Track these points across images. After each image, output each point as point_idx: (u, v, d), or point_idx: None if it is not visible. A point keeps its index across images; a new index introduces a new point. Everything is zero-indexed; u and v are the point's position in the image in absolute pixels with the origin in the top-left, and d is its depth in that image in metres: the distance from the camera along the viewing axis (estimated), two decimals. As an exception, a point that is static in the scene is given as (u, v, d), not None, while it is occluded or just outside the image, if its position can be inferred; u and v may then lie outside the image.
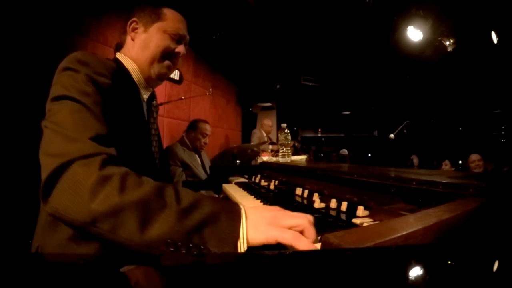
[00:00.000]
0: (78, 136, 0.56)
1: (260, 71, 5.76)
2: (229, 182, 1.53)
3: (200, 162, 2.58)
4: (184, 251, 0.45)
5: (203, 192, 1.40)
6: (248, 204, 0.89)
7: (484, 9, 3.56)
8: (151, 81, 0.88)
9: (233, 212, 0.49)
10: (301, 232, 0.49)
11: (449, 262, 0.33)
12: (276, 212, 0.52)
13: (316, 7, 3.71)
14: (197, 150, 2.56)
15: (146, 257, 0.39)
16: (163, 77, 0.89)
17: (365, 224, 0.61)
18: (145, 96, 0.89)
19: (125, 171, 0.52)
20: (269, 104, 7.22)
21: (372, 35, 4.28)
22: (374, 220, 0.64)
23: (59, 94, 0.62)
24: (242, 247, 0.47)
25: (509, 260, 0.33)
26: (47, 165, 0.52)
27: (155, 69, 0.85)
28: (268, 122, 4.51)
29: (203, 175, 2.48)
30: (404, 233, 0.37)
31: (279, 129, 1.71)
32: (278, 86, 6.54)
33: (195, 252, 0.45)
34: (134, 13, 0.85)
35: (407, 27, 4.06)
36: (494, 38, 3.88)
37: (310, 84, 6.34)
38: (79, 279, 0.30)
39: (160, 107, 3.20)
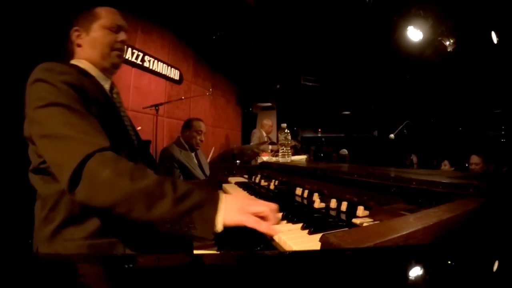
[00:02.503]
0: (77, 136, 0.65)
1: (260, 71, 5.76)
2: (229, 182, 1.53)
3: (197, 162, 2.57)
4: (177, 228, 0.61)
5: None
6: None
7: (484, 9, 3.56)
8: (108, 71, 0.96)
9: (214, 200, 0.65)
10: (265, 218, 0.63)
11: (449, 262, 0.33)
12: (247, 201, 0.67)
13: (316, 7, 3.71)
14: (193, 149, 2.55)
15: (145, 257, 0.39)
16: (118, 65, 0.98)
17: (365, 224, 0.61)
18: (106, 86, 0.96)
19: (132, 165, 0.65)
20: (269, 104, 7.21)
21: (372, 35, 4.28)
22: (374, 220, 0.64)
23: (40, 105, 0.69)
24: (219, 226, 0.62)
25: (509, 260, 0.33)
26: (63, 169, 0.63)
27: (108, 61, 0.94)
28: (268, 122, 4.50)
29: (200, 176, 2.46)
30: (404, 233, 0.37)
31: (279, 129, 1.71)
32: (278, 86, 6.53)
33: (186, 229, 0.61)
34: (73, 23, 0.93)
35: (407, 27, 4.06)
36: (494, 38, 3.88)
37: (310, 84, 6.34)
38: (78, 278, 0.30)
39: (160, 107, 3.19)
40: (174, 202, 0.61)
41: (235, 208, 0.63)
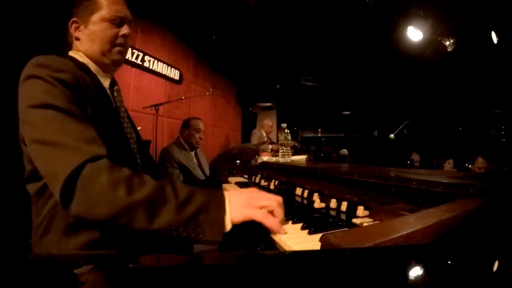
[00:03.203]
0: (70, 144, 0.60)
1: (260, 71, 5.76)
2: (229, 182, 1.53)
3: (196, 162, 2.57)
4: (184, 234, 0.57)
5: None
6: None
7: (484, 9, 3.56)
8: (108, 68, 0.88)
9: (219, 200, 0.61)
10: (271, 212, 0.61)
11: (449, 262, 0.33)
12: (251, 193, 0.64)
13: (316, 7, 3.71)
14: (193, 148, 2.55)
15: (146, 257, 0.39)
16: (119, 62, 0.89)
17: (365, 224, 0.61)
18: (106, 83, 0.89)
19: (128, 174, 0.60)
20: (269, 104, 7.22)
21: (372, 35, 4.27)
22: (374, 220, 0.64)
23: (32, 104, 0.64)
24: (227, 226, 0.59)
25: (509, 260, 0.33)
26: (54, 180, 0.58)
27: (109, 58, 0.85)
28: (268, 122, 4.51)
29: (201, 176, 2.47)
30: (404, 233, 0.37)
31: (279, 129, 1.71)
32: (278, 86, 6.53)
33: (193, 234, 0.57)
34: (72, 12, 0.84)
35: (407, 27, 4.05)
36: (494, 38, 3.88)
37: (310, 84, 6.34)
38: (79, 278, 0.30)
39: (160, 107, 3.19)
40: (178, 208, 0.57)
41: (241, 203, 0.61)
